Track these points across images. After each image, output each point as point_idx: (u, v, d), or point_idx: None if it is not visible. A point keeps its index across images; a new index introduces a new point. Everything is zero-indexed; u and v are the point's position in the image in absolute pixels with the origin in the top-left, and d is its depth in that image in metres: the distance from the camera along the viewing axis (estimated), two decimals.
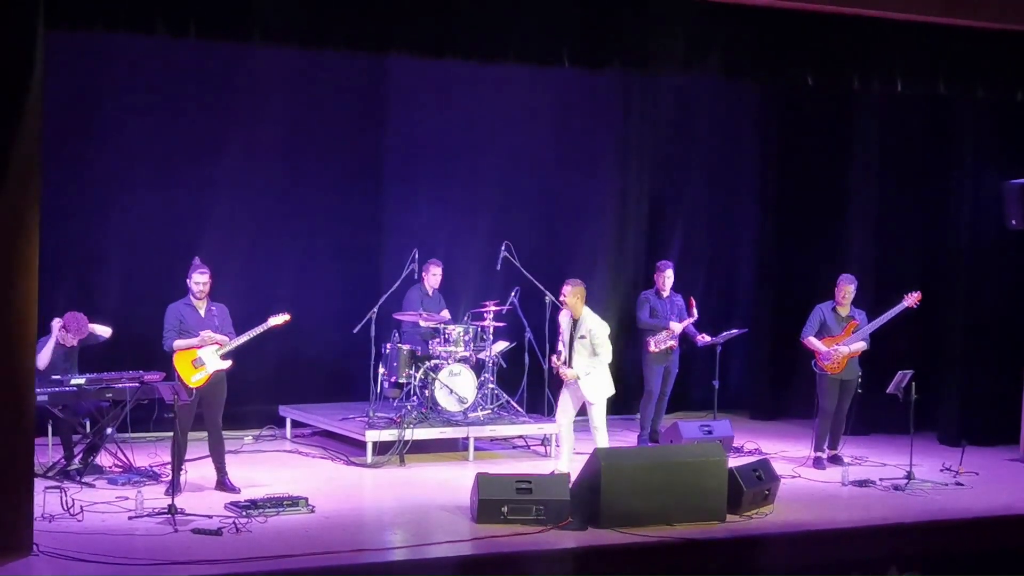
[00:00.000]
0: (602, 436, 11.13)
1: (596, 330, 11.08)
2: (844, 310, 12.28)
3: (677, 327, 12.97)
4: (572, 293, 11.13)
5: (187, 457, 10.58)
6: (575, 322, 11.14)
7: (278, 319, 10.82)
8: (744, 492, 10.17)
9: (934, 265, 14.29)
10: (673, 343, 13.01)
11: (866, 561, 9.48)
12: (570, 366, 11.08)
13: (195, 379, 10.45)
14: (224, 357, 10.55)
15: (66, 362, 11.17)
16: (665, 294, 13.09)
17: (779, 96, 14.98)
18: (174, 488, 9.87)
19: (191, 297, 10.62)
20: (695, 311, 13.10)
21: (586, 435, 11.34)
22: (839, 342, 12.17)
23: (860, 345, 12.26)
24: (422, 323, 12.91)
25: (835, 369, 12.17)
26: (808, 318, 12.33)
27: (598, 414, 11.14)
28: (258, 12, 9.35)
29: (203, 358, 10.50)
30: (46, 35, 8.61)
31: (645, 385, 13.14)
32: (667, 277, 13.09)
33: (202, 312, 10.61)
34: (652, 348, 12.93)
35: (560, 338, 11.31)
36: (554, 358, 11.36)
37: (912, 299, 12.24)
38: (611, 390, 11.22)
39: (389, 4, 9.76)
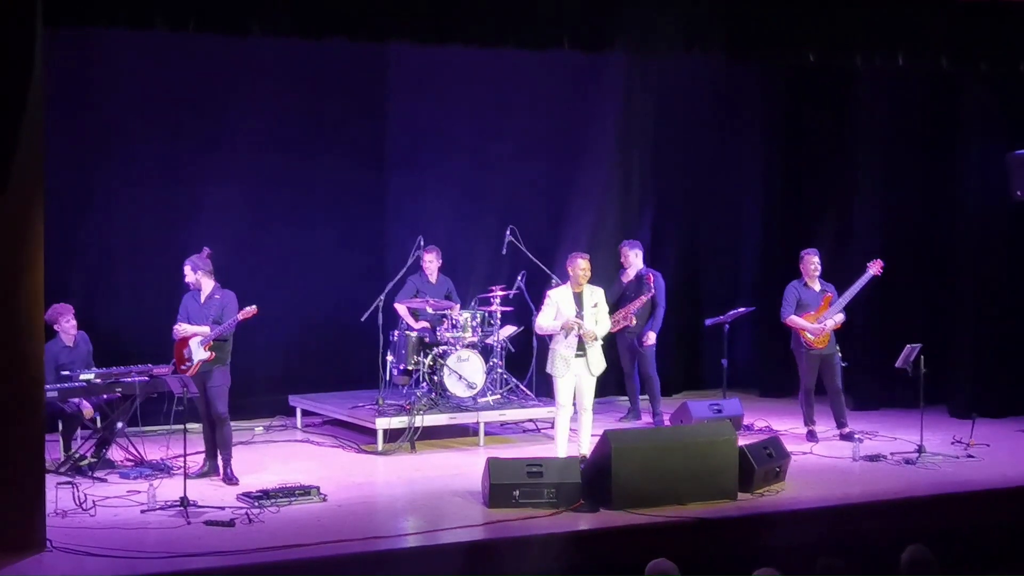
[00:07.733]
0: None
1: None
2: (815, 284, 12.36)
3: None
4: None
5: (196, 450, 10.61)
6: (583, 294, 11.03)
7: (245, 312, 10.53)
8: (755, 470, 10.18)
9: (941, 238, 14.27)
10: (626, 323, 13.03)
11: (878, 535, 9.48)
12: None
13: (184, 369, 10.52)
14: (208, 348, 10.56)
15: (73, 359, 11.16)
16: (629, 276, 13.10)
17: (782, 75, 14.93)
18: (185, 481, 9.85)
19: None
20: (652, 285, 12.96)
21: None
22: (819, 316, 12.21)
23: (840, 317, 12.30)
24: (429, 310, 12.89)
25: (821, 344, 12.22)
26: (783, 298, 12.40)
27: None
28: (257, 4, 9.35)
29: (191, 349, 10.53)
30: (46, 31, 8.62)
31: None
32: (623, 255, 13.15)
33: (202, 300, 10.65)
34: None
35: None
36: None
37: (876, 267, 12.32)
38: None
39: None
